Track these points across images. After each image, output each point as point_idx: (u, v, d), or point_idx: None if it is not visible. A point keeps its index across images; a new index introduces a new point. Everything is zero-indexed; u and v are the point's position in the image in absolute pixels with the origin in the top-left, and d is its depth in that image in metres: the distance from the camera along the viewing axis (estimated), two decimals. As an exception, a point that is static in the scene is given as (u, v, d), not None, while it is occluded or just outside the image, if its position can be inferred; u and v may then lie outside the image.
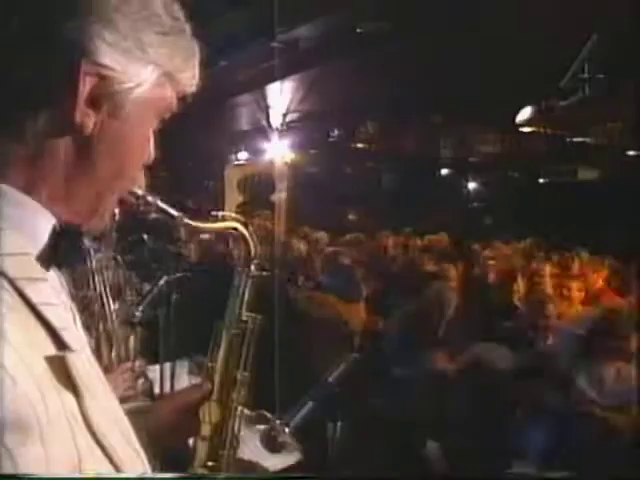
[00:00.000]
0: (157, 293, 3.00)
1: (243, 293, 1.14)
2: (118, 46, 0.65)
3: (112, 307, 2.00)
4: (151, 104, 0.71)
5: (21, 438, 0.53)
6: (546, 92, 5.16)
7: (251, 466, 1.19)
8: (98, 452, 0.61)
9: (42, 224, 0.67)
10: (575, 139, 7.25)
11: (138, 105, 0.69)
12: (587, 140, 7.27)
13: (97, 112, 0.66)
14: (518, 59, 5.02)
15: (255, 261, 1.15)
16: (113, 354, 1.93)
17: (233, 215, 1.14)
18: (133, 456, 0.68)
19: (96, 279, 1.98)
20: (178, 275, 3.21)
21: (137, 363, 1.96)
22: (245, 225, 1.12)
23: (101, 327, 1.93)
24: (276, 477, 1.16)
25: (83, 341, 0.72)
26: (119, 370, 1.87)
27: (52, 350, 0.60)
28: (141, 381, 1.92)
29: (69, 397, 0.59)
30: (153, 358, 3.04)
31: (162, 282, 3.06)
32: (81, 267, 1.91)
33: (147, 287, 3.27)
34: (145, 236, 3.84)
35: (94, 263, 1.97)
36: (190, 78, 0.74)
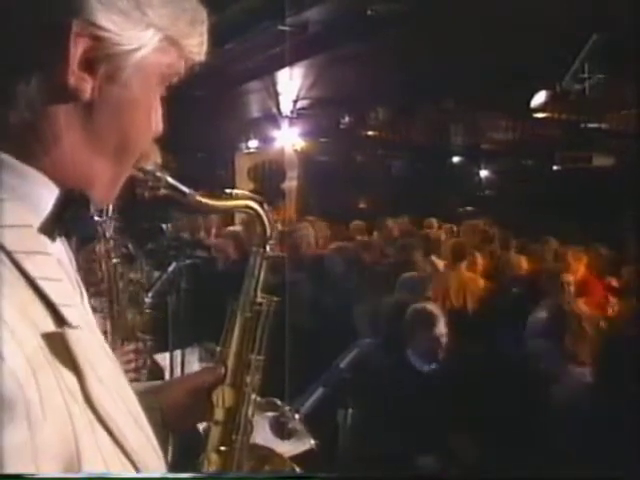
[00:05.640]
0: (166, 279, 2.97)
1: (258, 274, 1.10)
2: (114, 5, 0.60)
3: (120, 290, 1.97)
4: (154, 70, 0.66)
5: (6, 417, 0.50)
6: (560, 76, 5.07)
7: (266, 451, 1.15)
8: (101, 432, 0.58)
9: (45, 194, 0.63)
10: (590, 125, 7.14)
11: (139, 71, 0.64)
12: (602, 126, 7.15)
13: (94, 76, 0.61)
14: (531, 42, 4.92)
15: (271, 241, 1.10)
16: (117, 335, 1.90)
17: (248, 193, 1.09)
18: (141, 437, 0.65)
19: (106, 261, 1.95)
20: (188, 261, 3.18)
21: (140, 345, 1.94)
22: (260, 204, 1.08)
23: (107, 308, 1.90)
24: (280, 477, 1.13)
25: (88, 318, 0.68)
26: (122, 351, 1.85)
27: (51, 327, 0.57)
28: (142, 362, 1.90)
29: (68, 375, 0.56)
30: (163, 345, 3.01)
31: (171, 268, 3.04)
32: (90, 247, 1.88)
33: (157, 274, 3.25)
34: (164, 226, 3.80)
35: (103, 245, 1.93)
36: (197, 45, 0.69)
